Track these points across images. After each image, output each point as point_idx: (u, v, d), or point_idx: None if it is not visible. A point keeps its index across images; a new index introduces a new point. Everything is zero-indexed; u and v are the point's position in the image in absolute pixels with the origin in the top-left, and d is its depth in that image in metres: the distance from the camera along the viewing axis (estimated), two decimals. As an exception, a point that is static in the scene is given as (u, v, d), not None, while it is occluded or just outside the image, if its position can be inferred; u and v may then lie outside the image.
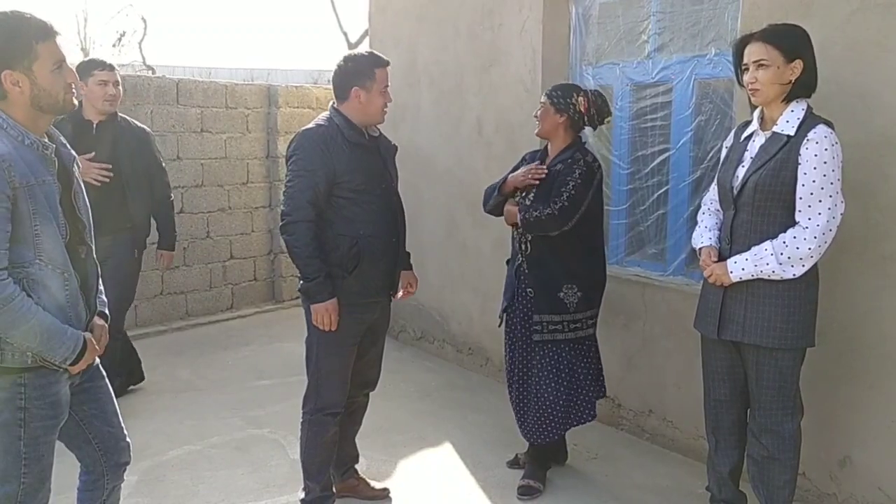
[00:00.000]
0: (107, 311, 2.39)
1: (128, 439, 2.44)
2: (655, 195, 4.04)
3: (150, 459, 3.72)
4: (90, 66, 4.19)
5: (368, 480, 3.46)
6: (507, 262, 3.60)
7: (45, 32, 2.05)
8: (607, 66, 4.25)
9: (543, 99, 3.42)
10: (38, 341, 2.03)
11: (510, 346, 3.51)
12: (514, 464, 3.72)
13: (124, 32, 17.61)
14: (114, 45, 16.65)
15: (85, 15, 17.30)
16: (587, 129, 3.71)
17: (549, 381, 3.35)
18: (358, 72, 3.00)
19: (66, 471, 2.57)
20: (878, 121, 2.93)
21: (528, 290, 3.37)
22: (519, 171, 3.42)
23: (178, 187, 6.27)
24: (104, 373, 2.39)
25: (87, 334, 2.19)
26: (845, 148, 3.00)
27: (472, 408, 4.47)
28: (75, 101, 2.17)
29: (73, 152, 2.30)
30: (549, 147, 3.47)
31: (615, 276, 4.12)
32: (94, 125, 4.21)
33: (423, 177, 5.40)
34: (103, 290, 2.40)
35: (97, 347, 2.24)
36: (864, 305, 3.02)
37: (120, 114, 4.37)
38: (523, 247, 3.39)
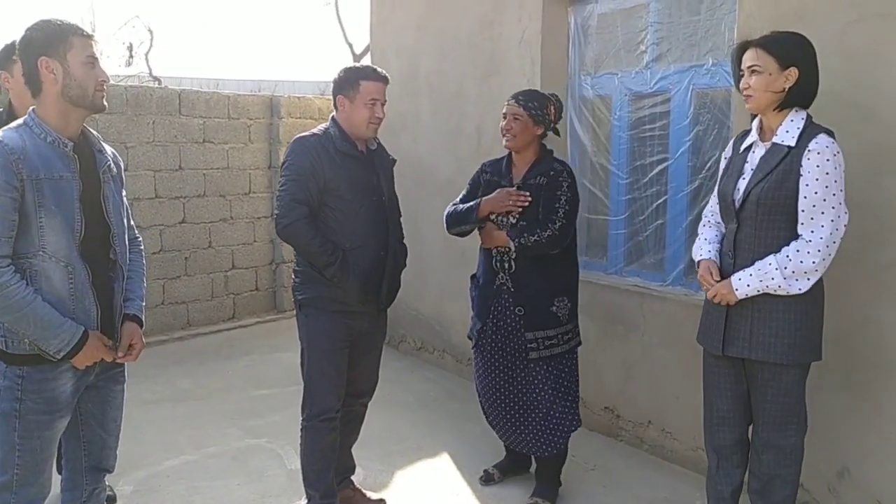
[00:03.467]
0: (141, 318, 2.44)
1: (116, 450, 2.48)
2: (654, 205, 4.04)
3: (147, 469, 3.72)
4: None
5: (364, 491, 3.44)
6: (473, 278, 3.50)
7: (82, 31, 2.21)
8: (606, 76, 4.25)
9: (518, 110, 3.26)
10: (32, 329, 2.10)
11: (491, 368, 3.40)
12: (488, 480, 3.63)
13: (132, 45, 17.67)
14: (128, 64, 16.72)
15: (93, 27, 17.30)
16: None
17: (551, 393, 3.28)
18: (345, 81, 3.03)
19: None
20: (873, 131, 2.92)
21: (517, 308, 3.27)
22: (495, 196, 3.28)
23: (181, 197, 6.30)
24: (125, 378, 2.45)
25: (95, 332, 2.23)
26: (840, 158, 3.00)
27: (471, 418, 4.44)
28: (105, 103, 2.27)
29: (116, 159, 2.41)
30: (514, 157, 3.38)
31: (614, 286, 4.12)
32: None
33: (423, 186, 5.41)
34: (142, 297, 2.47)
35: (107, 347, 2.27)
36: (861, 315, 3.00)
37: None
38: (507, 265, 3.28)
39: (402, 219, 3.29)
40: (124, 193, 2.44)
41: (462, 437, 4.17)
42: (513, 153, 3.39)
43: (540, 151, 3.35)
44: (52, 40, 2.16)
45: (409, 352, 5.79)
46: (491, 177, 3.45)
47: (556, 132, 3.45)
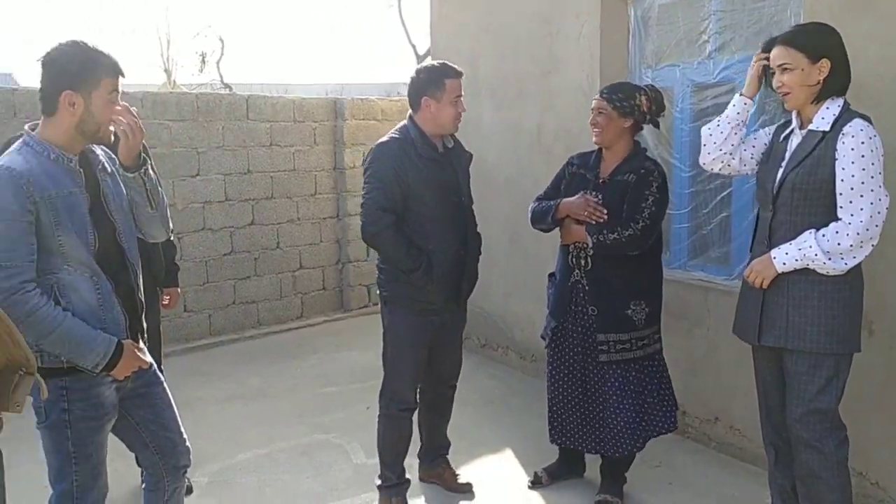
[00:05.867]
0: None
1: (187, 444, 2.51)
2: (718, 198, 3.96)
3: (220, 462, 3.86)
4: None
5: (455, 472, 3.56)
6: (550, 276, 3.47)
7: (114, 70, 2.20)
8: (667, 68, 4.19)
9: (602, 104, 3.20)
10: (66, 348, 2.12)
11: (564, 367, 3.36)
12: (535, 482, 3.59)
13: (205, 54, 18.24)
14: (201, 71, 17.35)
15: (168, 38, 17.98)
16: (645, 131, 3.67)
17: (617, 398, 3.23)
18: (429, 82, 3.11)
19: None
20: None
21: (590, 308, 3.22)
22: (575, 200, 3.21)
23: (250, 200, 6.48)
24: (162, 378, 2.48)
25: (128, 341, 2.25)
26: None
27: (535, 415, 4.43)
28: (112, 138, 2.27)
29: (108, 155, 2.36)
30: (603, 152, 3.31)
31: (678, 280, 4.06)
32: None
33: (486, 186, 5.41)
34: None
35: (140, 355, 2.30)
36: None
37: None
38: (583, 262, 3.24)
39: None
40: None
41: (526, 434, 4.17)
42: (602, 149, 3.32)
43: (632, 147, 3.27)
44: (82, 74, 2.14)
45: (473, 349, 5.81)
46: (577, 170, 3.37)
47: (655, 124, 3.35)
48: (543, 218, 3.34)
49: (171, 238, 3.02)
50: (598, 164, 3.32)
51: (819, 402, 2.56)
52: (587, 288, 3.24)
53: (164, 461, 2.46)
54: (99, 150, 2.35)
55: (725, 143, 2.83)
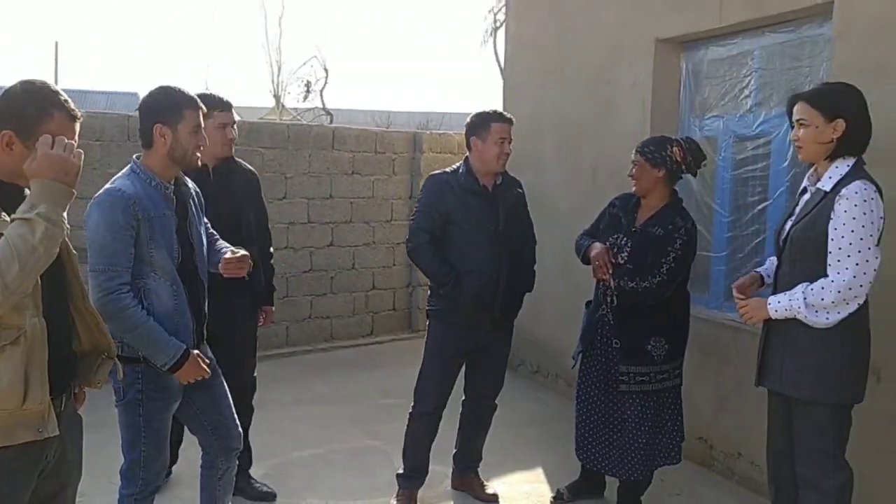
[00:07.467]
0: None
1: (239, 429, 2.93)
2: (753, 243, 4.16)
3: (278, 457, 4.31)
4: (209, 106, 3.16)
5: (484, 483, 3.89)
6: (587, 304, 3.76)
7: (194, 103, 2.66)
8: (713, 119, 4.44)
9: (636, 157, 3.47)
10: (145, 345, 2.53)
11: (588, 390, 3.65)
12: (558, 498, 3.86)
13: (309, 83, 19.28)
14: (305, 99, 18.48)
15: (279, 64, 19.21)
16: (692, 179, 3.91)
17: (634, 426, 3.48)
18: (477, 124, 3.57)
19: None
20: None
21: (614, 340, 3.49)
22: (597, 252, 3.44)
23: (330, 223, 7.01)
24: (220, 371, 2.90)
25: (195, 352, 2.63)
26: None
27: (571, 439, 4.63)
28: (199, 163, 2.73)
29: (196, 189, 2.85)
30: (641, 201, 3.55)
31: (712, 320, 4.26)
32: (210, 170, 3.51)
33: (543, 218, 5.68)
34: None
35: (204, 366, 2.66)
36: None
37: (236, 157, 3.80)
38: (609, 298, 3.49)
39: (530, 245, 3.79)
40: (204, 221, 2.89)
41: (563, 457, 4.38)
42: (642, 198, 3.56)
43: (668, 198, 3.49)
44: (169, 112, 2.59)
45: (526, 375, 6.11)
46: (617, 211, 3.65)
47: (693, 174, 3.55)
48: (579, 253, 3.70)
49: (272, 262, 3.91)
50: (636, 210, 3.58)
51: (819, 443, 2.69)
52: (612, 322, 3.51)
53: (220, 443, 2.88)
54: (191, 184, 2.84)
55: None
